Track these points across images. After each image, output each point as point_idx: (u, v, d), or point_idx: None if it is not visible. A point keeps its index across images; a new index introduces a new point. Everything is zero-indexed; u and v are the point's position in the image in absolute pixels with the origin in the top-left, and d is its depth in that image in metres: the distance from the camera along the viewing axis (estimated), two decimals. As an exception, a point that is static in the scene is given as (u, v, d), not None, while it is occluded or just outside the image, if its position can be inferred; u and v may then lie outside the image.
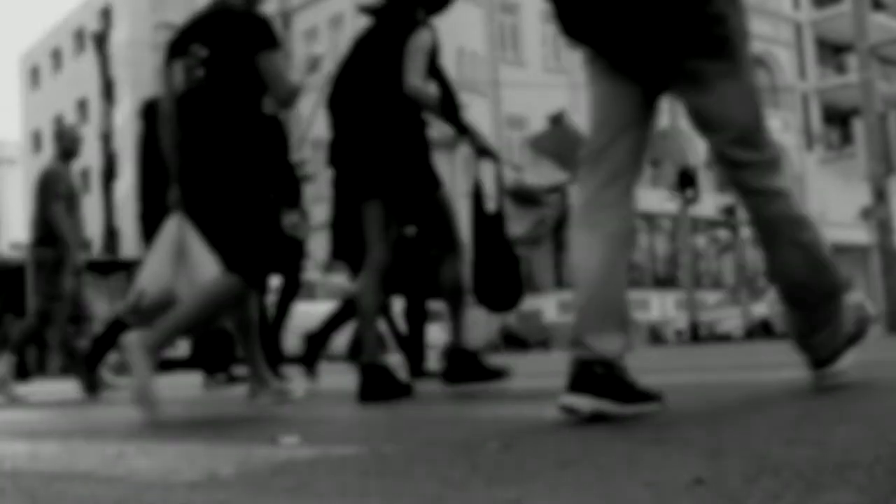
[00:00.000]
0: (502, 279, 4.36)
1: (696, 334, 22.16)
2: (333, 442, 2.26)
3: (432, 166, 4.14)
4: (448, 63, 28.92)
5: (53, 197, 6.74)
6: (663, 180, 29.26)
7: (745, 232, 30.92)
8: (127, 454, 2.21)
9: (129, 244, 37.91)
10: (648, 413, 2.34)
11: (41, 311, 6.81)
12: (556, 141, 21.53)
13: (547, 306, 26.77)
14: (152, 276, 3.83)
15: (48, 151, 48.12)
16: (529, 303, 28.98)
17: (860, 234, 31.10)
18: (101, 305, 24.41)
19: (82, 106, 43.18)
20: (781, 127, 38.22)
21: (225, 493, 1.54)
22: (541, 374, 5.92)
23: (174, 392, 6.26)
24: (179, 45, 3.97)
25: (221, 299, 3.72)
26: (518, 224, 26.07)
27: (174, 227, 3.89)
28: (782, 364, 4.68)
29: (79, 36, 43.71)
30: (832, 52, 40.77)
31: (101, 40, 30.97)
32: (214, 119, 3.85)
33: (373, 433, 2.47)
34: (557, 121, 8.07)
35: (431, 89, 4.04)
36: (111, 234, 30.55)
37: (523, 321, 26.82)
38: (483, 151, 4.37)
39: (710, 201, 28.17)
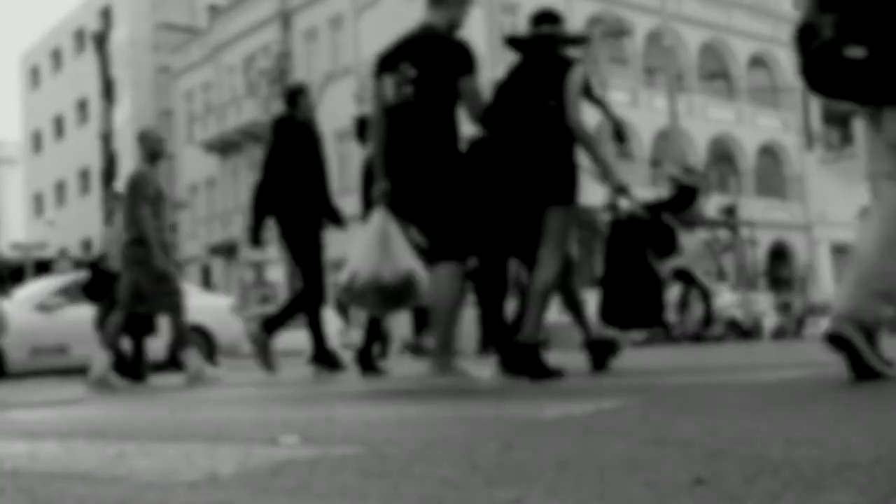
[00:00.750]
0: (633, 295, 4.87)
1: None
2: (333, 442, 2.26)
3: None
4: (448, 63, 28.97)
5: (141, 199, 6.95)
6: (663, 180, 29.25)
7: (745, 232, 30.93)
8: (127, 454, 2.21)
9: (129, 244, 37.89)
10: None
11: (128, 306, 7.10)
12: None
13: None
14: (363, 260, 4.50)
15: (48, 151, 48.30)
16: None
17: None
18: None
19: (82, 106, 43.18)
20: (781, 127, 38.24)
21: (225, 493, 1.54)
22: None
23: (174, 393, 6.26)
24: (389, 61, 4.57)
25: (453, 285, 4.41)
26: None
27: (380, 218, 4.48)
28: (782, 364, 4.68)
29: (79, 36, 43.72)
30: (832, 52, 40.74)
31: (101, 40, 30.96)
32: (424, 130, 4.45)
33: (373, 433, 2.47)
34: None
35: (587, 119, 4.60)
36: (111, 235, 30.54)
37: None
38: (621, 189, 4.86)
39: (710, 201, 28.16)
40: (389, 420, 2.90)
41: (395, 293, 4.51)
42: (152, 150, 7.17)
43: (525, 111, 4.62)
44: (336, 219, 7.21)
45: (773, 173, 37.55)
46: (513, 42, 4.90)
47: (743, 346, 13.00)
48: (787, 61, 38.70)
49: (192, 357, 7.18)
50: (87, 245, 40.77)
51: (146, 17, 40.61)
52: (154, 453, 2.22)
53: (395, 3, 29.10)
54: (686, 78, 34.60)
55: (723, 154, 35.65)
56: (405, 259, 4.42)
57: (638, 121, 33.10)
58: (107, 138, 30.46)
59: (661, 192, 27.99)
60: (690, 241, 13.99)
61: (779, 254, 37.03)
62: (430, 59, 4.49)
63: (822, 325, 23.38)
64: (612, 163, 4.90)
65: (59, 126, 46.07)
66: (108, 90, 30.48)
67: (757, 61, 38.22)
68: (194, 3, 42.14)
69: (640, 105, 33.55)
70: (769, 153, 37.92)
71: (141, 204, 6.91)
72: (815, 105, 39.44)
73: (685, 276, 13.88)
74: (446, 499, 1.37)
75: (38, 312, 11.61)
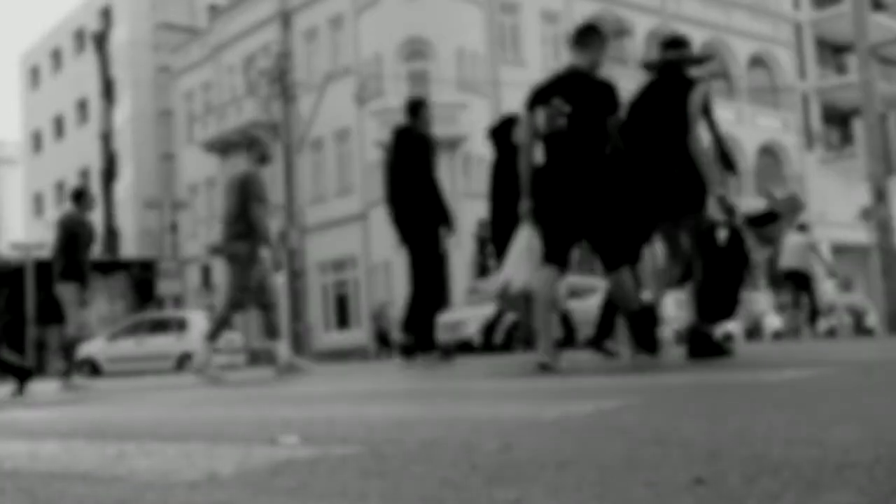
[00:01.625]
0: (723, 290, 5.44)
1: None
2: (333, 442, 2.26)
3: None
4: (448, 63, 28.95)
5: (254, 198, 7.54)
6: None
7: (745, 232, 30.88)
8: (127, 454, 2.21)
9: (129, 244, 37.89)
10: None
11: (233, 300, 7.60)
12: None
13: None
14: (516, 270, 5.25)
15: (48, 151, 48.26)
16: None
17: (860, 234, 31.11)
18: (101, 305, 24.39)
19: (82, 106, 43.17)
20: (781, 127, 38.23)
21: (225, 493, 1.54)
22: (541, 374, 5.92)
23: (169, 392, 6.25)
24: (542, 96, 5.21)
25: (628, 287, 5.15)
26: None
27: (527, 233, 5.18)
28: (782, 364, 4.68)
29: (79, 36, 43.70)
30: (832, 52, 40.77)
31: (101, 40, 30.93)
32: (583, 156, 5.06)
33: (373, 433, 2.47)
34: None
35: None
36: (111, 234, 30.54)
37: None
38: (730, 210, 5.39)
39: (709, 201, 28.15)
40: (389, 420, 2.89)
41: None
42: (262, 153, 7.90)
43: (657, 128, 5.33)
44: (449, 223, 7.67)
45: (773, 173, 37.55)
46: (647, 66, 5.69)
47: (743, 347, 13.00)
48: (787, 61, 38.70)
49: (283, 348, 7.67)
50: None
51: (146, 17, 40.59)
52: (154, 453, 2.22)
53: (395, 3, 29.09)
54: (686, 78, 34.59)
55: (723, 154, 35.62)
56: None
57: (638, 121, 33.10)
58: (107, 138, 30.48)
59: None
60: (798, 244, 14.30)
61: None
62: (582, 95, 5.17)
63: (823, 325, 23.42)
64: (719, 178, 5.45)
65: (59, 126, 46.06)
66: (108, 90, 30.48)
67: (757, 61, 38.21)
68: (194, 3, 42.13)
69: (640, 105, 33.54)
70: (769, 153, 37.92)
71: (254, 202, 7.52)
72: (815, 105, 39.47)
73: (797, 278, 14.64)
74: (446, 499, 1.37)
75: None
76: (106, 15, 41.38)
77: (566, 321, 12.86)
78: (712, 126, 5.48)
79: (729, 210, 5.35)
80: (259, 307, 7.69)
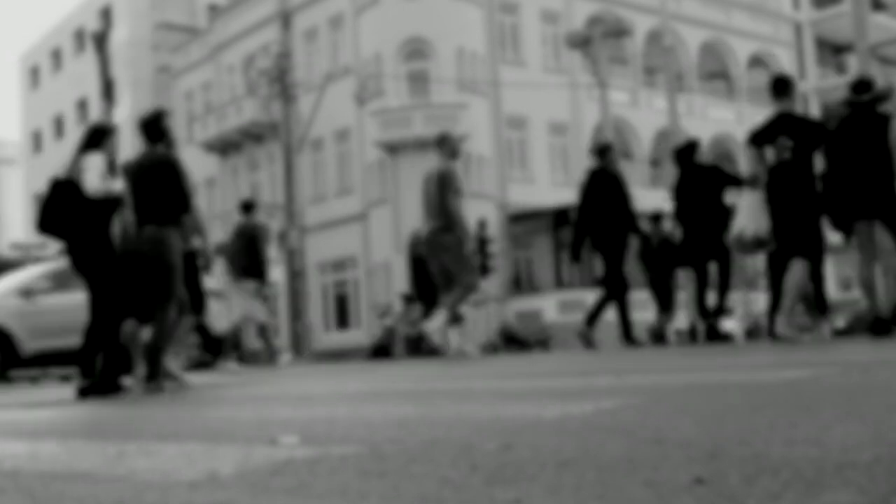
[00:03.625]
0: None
1: (695, 334, 22.14)
2: (333, 442, 2.26)
3: None
4: (448, 63, 28.94)
5: (452, 191, 8.36)
6: (663, 180, 29.25)
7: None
8: (127, 454, 2.21)
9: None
10: None
11: (470, 283, 8.45)
12: None
13: (547, 306, 26.77)
14: (749, 221, 7.18)
15: (48, 151, 48.20)
16: (529, 303, 28.99)
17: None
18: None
19: (82, 106, 43.16)
20: (781, 127, 38.20)
21: (225, 493, 1.54)
22: (541, 374, 5.92)
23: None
24: (766, 135, 7.02)
25: (804, 276, 7.02)
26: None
27: (755, 196, 7.23)
28: (782, 364, 4.68)
29: (79, 36, 43.69)
30: (832, 52, 40.77)
31: (101, 40, 30.97)
32: (804, 181, 6.93)
33: (373, 433, 2.47)
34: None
35: None
36: (111, 234, 30.53)
37: (523, 321, 26.77)
38: None
39: (710, 201, 28.17)
40: (389, 420, 2.89)
41: (759, 244, 7.27)
42: (453, 149, 8.73)
43: (860, 152, 6.85)
44: (636, 229, 9.61)
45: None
46: (848, 104, 7.11)
47: (743, 347, 12.98)
48: (787, 61, 38.70)
49: (455, 336, 8.46)
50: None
51: (146, 17, 40.59)
52: (154, 453, 2.22)
53: (395, 2, 29.09)
54: (686, 78, 34.60)
55: (723, 154, 35.63)
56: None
57: (638, 121, 33.11)
58: (107, 138, 30.46)
59: (661, 191, 27.99)
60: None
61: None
62: (802, 133, 6.98)
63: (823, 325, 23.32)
64: None
65: (59, 126, 46.06)
66: (108, 90, 30.48)
67: (757, 61, 38.20)
68: (194, 3, 42.12)
69: (640, 105, 33.56)
70: (769, 153, 37.89)
71: (452, 196, 8.32)
72: (815, 105, 39.47)
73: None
74: (446, 499, 1.37)
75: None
76: (106, 15, 41.37)
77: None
78: None
79: None
80: (462, 291, 8.57)
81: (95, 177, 6.32)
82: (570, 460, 1.66)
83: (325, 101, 27.39)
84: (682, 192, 9.11)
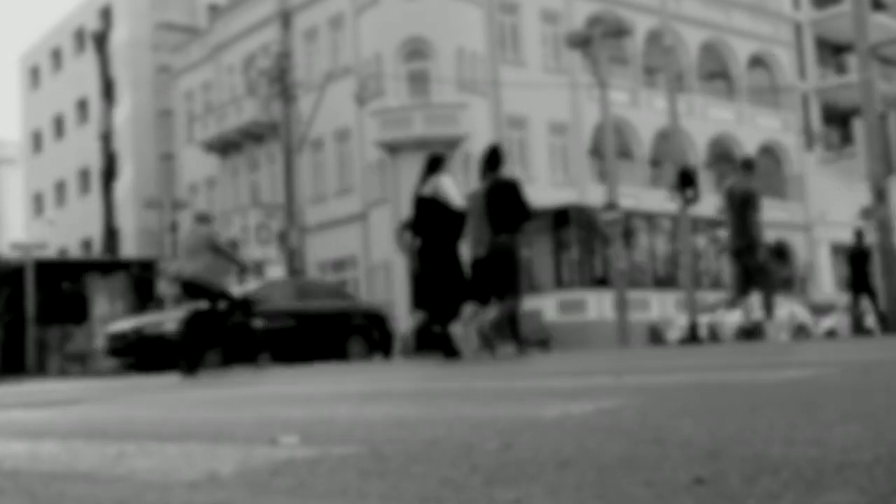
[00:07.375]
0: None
1: (695, 334, 22.16)
2: (333, 442, 2.26)
3: None
4: (448, 63, 28.95)
5: (755, 211, 9.68)
6: (663, 180, 29.24)
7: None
8: (127, 454, 2.21)
9: (129, 244, 37.90)
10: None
11: (771, 283, 10.00)
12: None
13: (547, 306, 26.76)
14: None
15: (48, 151, 48.22)
16: (529, 303, 28.94)
17: (860, 234, 30.99)
18: (101, 305, 24.37)
19: (82, 106, 43.17)
20: (781, 127, 38.22)
21: (225, 493, 1.54)
22: (541, 374, 5.92)
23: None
24: None
25: None
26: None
27: None
28: (782, 364, 4.68)
29: (79, 36, 43.70)
30: (832, 52, 40.77)
31: (101, 40, 30.95)
32: None
33: (373, 433, 2.47)
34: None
35: None
36: (111, 234, 30.55)
37: (523, 321, 26.73)
38: None
39: (710, 201, 28.16)
40: (389, 420, 2.89)
41: None
42: (748, 161, 10.22)
43: None
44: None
45: (772, 173, 37.54)
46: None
47: (743, 347, 12.99)
48: (787, 61, 38.70)
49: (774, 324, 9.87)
50: (87, 245, 40.78)
51: (146, 17, 40.59)
52: (154, 453, 2.22)
53: (395, 2, 29.09)
54: (686, 78, 34.59)
55: (723, 154, 35.64)
56: None
57: (638, 121, 33.11)
58: (107, 138, 30.46)
59: (660, 191, 27.96)
60: None
61: (779, 254, 37.00)
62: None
63: (824, 324, 23.39)
64: None
65: (59, 126, 46.06)
66: (108, 90, 30.48)
67: (757, 61, 38.20)
68: (194, 3, 42.13)
69: (640, 105, 33.56)
70: (769, 153, 37.91)
71: (753, 214, 9.56)
72: (815, 105, 39.47)
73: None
74: (446, 499, 1.37)
75: None
76: (106, 15, 41.36)
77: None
78: None
79: None
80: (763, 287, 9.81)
81: (457, 195, 8.29)
82: (570, 460, 1.66)
83: (325, 101, 27.39)
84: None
